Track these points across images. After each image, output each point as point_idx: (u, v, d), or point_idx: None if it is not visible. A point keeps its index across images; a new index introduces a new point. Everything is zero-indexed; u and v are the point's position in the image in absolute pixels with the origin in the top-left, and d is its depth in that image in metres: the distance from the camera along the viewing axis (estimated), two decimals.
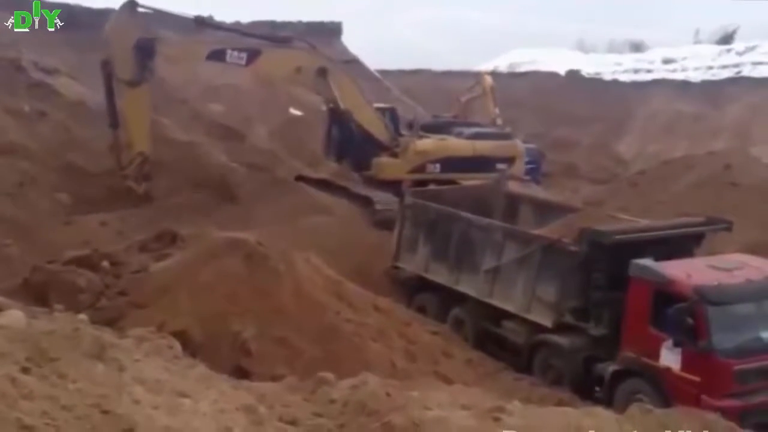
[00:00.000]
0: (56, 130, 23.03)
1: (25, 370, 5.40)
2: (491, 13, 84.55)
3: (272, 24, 47.18)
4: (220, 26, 21.77)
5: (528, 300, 13.95)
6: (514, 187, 19.86)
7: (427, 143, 23.28)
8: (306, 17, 48.18)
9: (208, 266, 11.94)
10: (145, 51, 20.17)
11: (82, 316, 8.06)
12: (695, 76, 50.63)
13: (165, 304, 11.39)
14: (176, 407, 5.87)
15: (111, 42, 20.50)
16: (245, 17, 47.41)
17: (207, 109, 34.96)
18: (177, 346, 7.98)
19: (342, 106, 22.24)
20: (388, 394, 7.19)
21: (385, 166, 22.69)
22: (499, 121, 34.12)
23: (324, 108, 24.23)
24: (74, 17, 38.46)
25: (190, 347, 9.68)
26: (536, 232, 14.97)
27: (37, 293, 11.76)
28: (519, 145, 25.80)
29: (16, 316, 6.55)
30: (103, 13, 40.32)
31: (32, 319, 6.67)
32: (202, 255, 12.36)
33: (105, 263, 12.95)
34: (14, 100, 23.34)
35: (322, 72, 22.01)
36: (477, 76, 41.37)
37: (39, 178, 20.89)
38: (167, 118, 25.68)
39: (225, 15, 46.82)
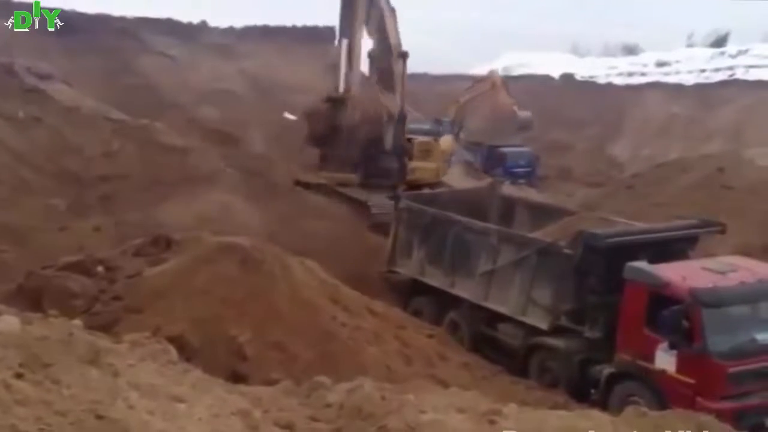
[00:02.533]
0: (50, 135, 22.96)
1: (20, 376, 5.38)
2: (485, 16, 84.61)
3: (266, 28, 47.15)
4: None
5: (524, 303, 13.97)
6: (509, 190, 19.94)
7: (445, 143, 23.59)
8: (300, 22, 48.11)
9: (204, 271, 11.92)
10: None
11: (77, 322, 8.02)
12: (689, 79, 50.73)
13: (160, 308, 11.36)
14: (171, 412, 5.85)
15: None
16: (238, 22, 47.36)
17: (201, 114, 34.94)
18: (172, 350, 7.97)
19: (404, 104, 22.42)
20: (383, 398, 7.18)
21: (437, 170, 22.89)
22: (515, 108, 34.09)
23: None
24: (68, 22, 38.44)
25: (186, 352, 9.66)
26: (532, 235, 15.00)
27: (32, 299, 11.70)
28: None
29: (10, 321, 6.52)
30: (98, 19, 40.52)
31: (27, 325, 6.64)
32: (197, 259, 12.33)
33: (100, 268, 12.90)
34: (8, 106, 23.25)
35: (403, 56, 22.13)
36: (474, 78, 41.45)
37: (33, 183, 20.85)
38: (161, 122, 25.65)
39: (219, 20, 46.73)
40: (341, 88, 21.59)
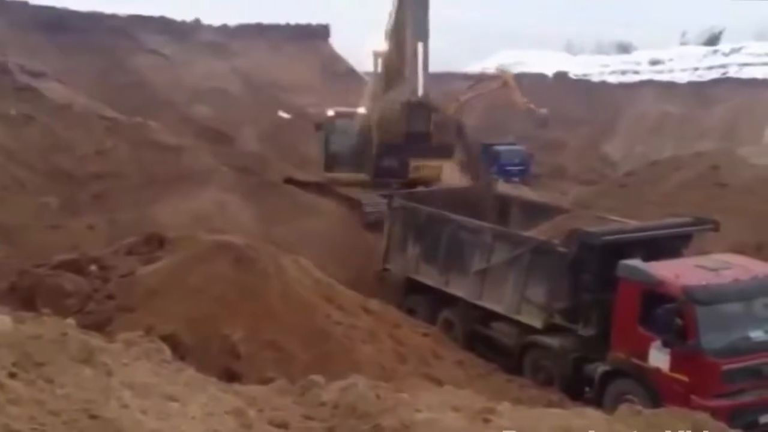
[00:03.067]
0: (43, 133, 22.89)
1: (12, 375, 5.35)
2: (485, 15, 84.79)
3: (259, 26, 47.07)
4: None
5: (518, 301, 13.97)
6: (503, 188, 19.96)
7: None
8: (293, 20, 48.02)
9: (197, 269, 11.90)
10: None
11: (70, 321, 7.97)
12: (682, 78, 50.83)
13: (153, 307, 11.33)
14: (165, 411, 5.83)
15: None
16: (231, 20, 47.23)
17: (195, 113, 34.88)
18: (166, 349, 7.92)
19: None
20: (378, 397, 7.17)
21: (440, 168, 22.93)
22: (532, 106, 34.06)
23: (330, 113, 23.86)
24: (61, 20, 38.30)
25: (179, 351, 9.63)
26: (525, 233, 15.00)
27: (25, 297, 11.66)
28: None
29: (3, 320, 6.49)
30: (90, 17, 40.39)
31: (19, 324, 6.61)
32: (190, 258, 12.31)
33: (93, 267, 12.86)
34: (0, 104, 23.18)
35: None
36: (474, 76, 41.28)
37: (26, 181, 20.77)
38: (155, 120, 25.60)
39: (212, 18, 46.59)
40: (420, 92, 21.24)
